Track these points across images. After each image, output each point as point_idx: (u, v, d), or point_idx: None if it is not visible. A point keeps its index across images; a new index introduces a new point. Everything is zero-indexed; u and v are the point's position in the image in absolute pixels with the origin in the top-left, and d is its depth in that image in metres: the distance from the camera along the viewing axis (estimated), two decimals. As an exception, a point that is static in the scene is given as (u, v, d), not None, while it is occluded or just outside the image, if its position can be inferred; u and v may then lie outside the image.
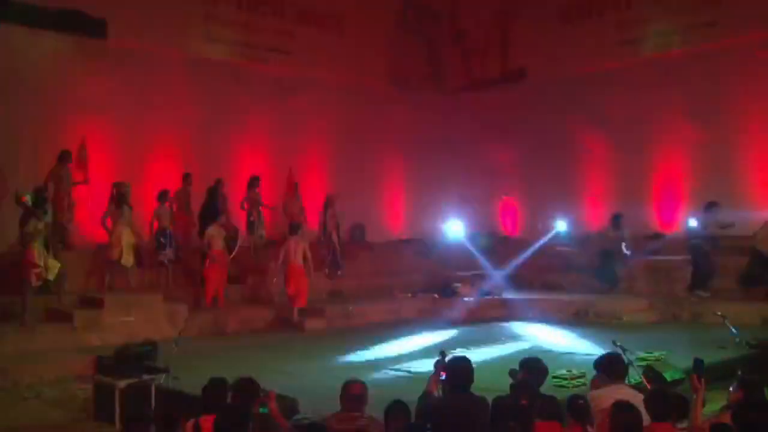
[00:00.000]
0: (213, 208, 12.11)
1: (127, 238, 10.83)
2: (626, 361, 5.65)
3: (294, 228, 12.00)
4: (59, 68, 12.06)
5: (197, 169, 12.90)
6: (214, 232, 11.47)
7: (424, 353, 8.56)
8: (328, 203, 13.62)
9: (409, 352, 9.19)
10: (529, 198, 16.45)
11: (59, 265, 9.57)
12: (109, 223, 11.03)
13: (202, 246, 11.60)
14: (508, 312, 12.59)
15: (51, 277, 9.45)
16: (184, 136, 13.53)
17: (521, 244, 15.16)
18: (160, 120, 13.28)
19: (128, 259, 10.87)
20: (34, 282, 9.32)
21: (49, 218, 9.79)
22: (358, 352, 9.17)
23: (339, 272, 13.60)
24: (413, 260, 15.20)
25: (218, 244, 11.45)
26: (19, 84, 11.60)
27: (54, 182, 11.00)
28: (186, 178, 12.51)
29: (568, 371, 6.84)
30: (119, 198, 10.98)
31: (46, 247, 9.43)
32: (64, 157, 11.15)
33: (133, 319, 9.95)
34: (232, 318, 11.22)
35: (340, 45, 16.02)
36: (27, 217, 9.48)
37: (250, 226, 13.05)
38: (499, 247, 15.81)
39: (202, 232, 11.91)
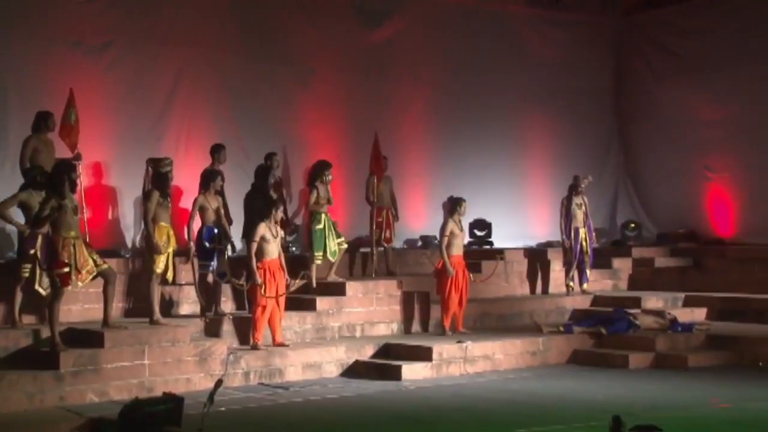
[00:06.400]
0: (263, 197, 12.20)
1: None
2: None
3: (456, 203, 12.61)
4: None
5: (245, 139, 13.78)
6: (264, 232, 11.16)
7: (584, 418, 8.51)
8: (574, 187, 14.41)
9: (560, 416, 8.85)
10: (749, 176, 16.09)
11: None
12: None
13: (249, 253, 11.34)
14: (723, 356, 12.30)
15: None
16: (227, 87, 14.04)
17: (739, 250, 15.31)
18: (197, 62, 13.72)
19: None
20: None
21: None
22: (485, 419, 8.99)
23: (584, 285, 14.63)
24: (560, 273, 15.06)
25: (271, 252, 11.18)
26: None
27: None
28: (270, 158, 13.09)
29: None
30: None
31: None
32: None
33: (147, 363, 10.06)
34: (292, 360, 11.20)
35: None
36: None
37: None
38: (706, 255, 15.78)
39: (247, 232, 11.90)
